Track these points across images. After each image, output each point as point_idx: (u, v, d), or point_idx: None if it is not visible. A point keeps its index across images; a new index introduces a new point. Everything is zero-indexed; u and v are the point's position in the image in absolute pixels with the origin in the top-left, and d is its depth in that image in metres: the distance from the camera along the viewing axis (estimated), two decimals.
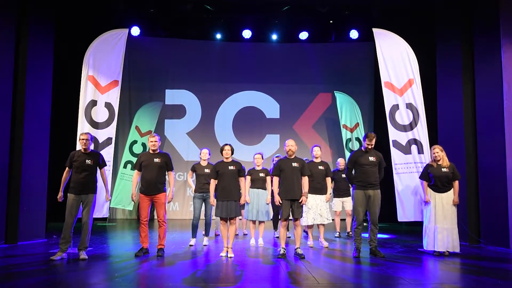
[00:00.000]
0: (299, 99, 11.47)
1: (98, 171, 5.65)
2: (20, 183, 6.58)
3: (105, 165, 5.74)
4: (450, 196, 5.90)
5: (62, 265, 5.00)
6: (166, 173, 5.82)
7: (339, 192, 7.88)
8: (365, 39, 10.28)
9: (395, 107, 7.00)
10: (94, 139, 6.64)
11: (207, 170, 6.57)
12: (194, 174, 6.74)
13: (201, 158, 6.75)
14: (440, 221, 5.86)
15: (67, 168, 5.50)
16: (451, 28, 7.50)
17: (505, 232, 6.39)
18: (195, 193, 6.62)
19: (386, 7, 9.19)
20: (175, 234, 7.87)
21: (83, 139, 5.47)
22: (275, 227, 7.64)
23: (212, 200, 5.68)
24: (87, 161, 5.43)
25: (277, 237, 7.54)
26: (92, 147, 6.53)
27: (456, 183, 5.93)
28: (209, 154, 6.77)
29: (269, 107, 11.53)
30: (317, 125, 11.50)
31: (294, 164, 5.65)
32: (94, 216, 6.01)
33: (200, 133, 11.28)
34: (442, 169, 5.91)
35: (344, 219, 8.35)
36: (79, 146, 5.71)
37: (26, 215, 6.63)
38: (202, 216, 6.64)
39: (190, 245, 6.49)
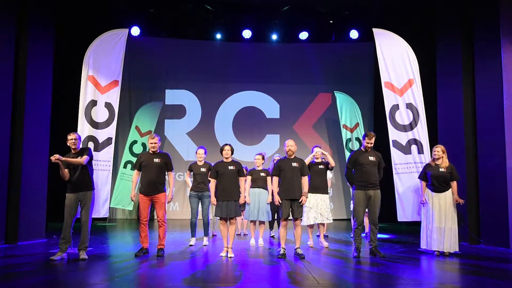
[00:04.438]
0: (299, 99, 11.47)
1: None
2: (20, 183, 6.58)
3: (92, 158, 5.62)
4: (448, 196, 5.90)
5: (62, 265, 4.99)
6: (166, 173, 5.83)
7: None
8: (365, 39, 10.27)
9: (395, 107, 7.00)
10: (94, 139, 6.67)
11: (203, 169, 6.61)
12: (191, 174, 6.77)
13: (197, 157, 6.77)
14: (438, 221, 5.86)
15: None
16: (451, 28, 7.50)
17: (505, 232, 6.38)
18: (191, 192, 6.65)
19: (386, 7, 9.19)
20: (175, 234, 7.86)
21: (71, 139, 5.45)
22: (271, 226, 7.68)
23: (213, 200, 5.69)
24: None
25: (272, 236, 7.57)
26: (92, 147, 6.55)
27: (454, 184, 5.93)
28: (205, 153, 6.79)
29: (269, 107, 11.53)
30: (317, 125, 11.50)
31: (294, 164, 5.66)
32: (94, 216, 6.01)
33: (200, 133, 11.27)
34: (440, 169, 5.91)
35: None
36: None
37: (26, 215, 6.63)
38: (200, 216, 6.66)
39: (190, 245, 6.50)
